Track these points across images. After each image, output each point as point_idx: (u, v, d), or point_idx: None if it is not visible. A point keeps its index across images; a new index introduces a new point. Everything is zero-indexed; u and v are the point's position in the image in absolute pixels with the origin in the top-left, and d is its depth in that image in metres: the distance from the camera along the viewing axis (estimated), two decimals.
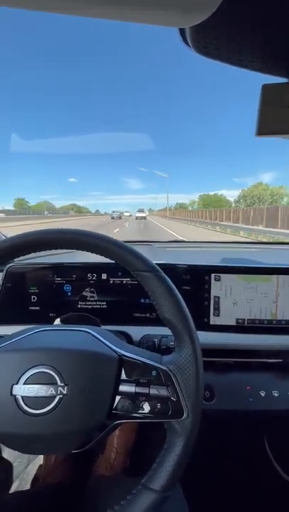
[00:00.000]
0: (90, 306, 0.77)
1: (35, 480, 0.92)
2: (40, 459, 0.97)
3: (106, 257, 0.42)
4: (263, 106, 0.42)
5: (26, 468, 1.02)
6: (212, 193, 76.43)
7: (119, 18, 0.29)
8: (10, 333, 0.42)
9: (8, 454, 1.01)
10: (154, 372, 0.38)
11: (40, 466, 0.94)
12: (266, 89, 0.41)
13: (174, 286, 0.41)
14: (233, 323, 0.73)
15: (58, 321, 0.62)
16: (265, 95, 0.42)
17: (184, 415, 0.37)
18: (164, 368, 0.38)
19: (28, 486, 0.92)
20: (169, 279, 0.41)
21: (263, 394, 0.67)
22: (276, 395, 0.67)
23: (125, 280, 0.76)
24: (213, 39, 0.36)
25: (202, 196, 76.37)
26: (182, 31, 0.36)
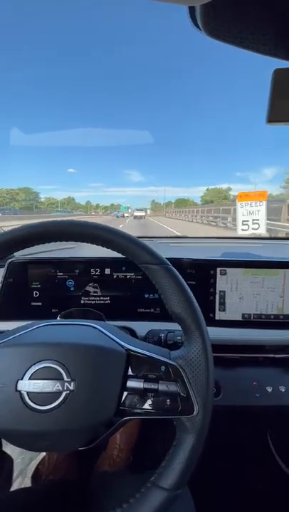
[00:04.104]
0: (93, 302, 0.76)
1: (38, 477, 0.91)
2: (42, 456, 0.97)
3: (112, 249, 0.41)
4: (274, 92, 0.40)
5: (29, 465, 1.01)
6: None
7: None
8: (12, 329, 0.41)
9: (11, 450, 1.01)
10: (162, 368, 0.37)
11: (43, 462, 0.93)
12: (278, 73, 0.40)
13: (183, 280, 0.40)
14: (239, 318, 0.71)
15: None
16: (276, 80, 0.40)
17: (195, 412, 0.35)
18: (173, 363, 0.37)
19: (30, 483, 0.92)
20: (177, 272, 0.40)
21: (269, 389, 0.66)
22: (283, 390, 0.66)
23: (129, 275, 0.75)
24: (225, 21, 0.34)
25: None
26: (192, 13, 0.34)
